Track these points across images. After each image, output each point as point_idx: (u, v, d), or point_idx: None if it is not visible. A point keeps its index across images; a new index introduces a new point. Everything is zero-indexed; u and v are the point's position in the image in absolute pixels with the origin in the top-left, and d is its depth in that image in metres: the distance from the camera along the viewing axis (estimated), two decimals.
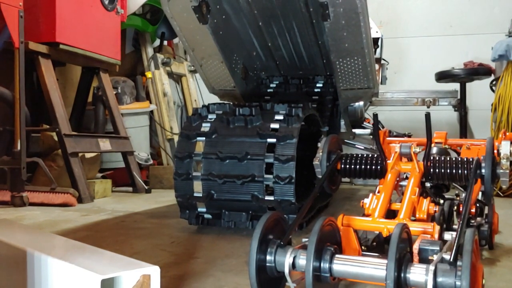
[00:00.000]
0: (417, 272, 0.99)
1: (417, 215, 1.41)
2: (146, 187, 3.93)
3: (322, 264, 1.06)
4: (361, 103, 3.13)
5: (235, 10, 2.70)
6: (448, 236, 1.31)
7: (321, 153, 1.64)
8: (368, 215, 1.41)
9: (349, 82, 2.68)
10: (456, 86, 4.53)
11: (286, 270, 1.08)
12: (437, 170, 1.52)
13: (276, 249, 1.10)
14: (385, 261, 1.00)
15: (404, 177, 1.62)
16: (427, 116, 1.51)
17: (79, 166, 3.29)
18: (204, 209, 2.21)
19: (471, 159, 1.49)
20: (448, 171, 1.51)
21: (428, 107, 4.28)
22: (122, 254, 1.15)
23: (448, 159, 1.53)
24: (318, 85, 3.10)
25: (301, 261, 1.08)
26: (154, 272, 1.01)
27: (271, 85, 3.20)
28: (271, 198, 2.07)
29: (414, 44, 5.24)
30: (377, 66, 3.74)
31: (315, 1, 2.39)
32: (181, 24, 2.58)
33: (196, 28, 2.56)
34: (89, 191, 3.32)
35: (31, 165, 3.19)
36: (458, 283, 0.94)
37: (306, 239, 1.12)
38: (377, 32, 3.71)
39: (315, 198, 2.60)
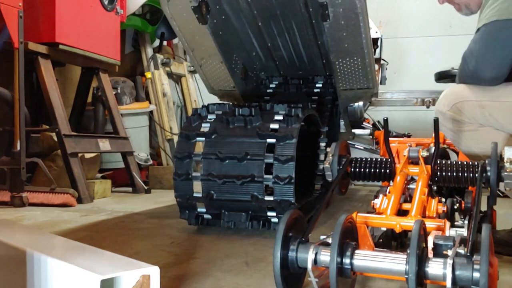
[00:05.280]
0: (435, 266, 1.05)
1: (427, 214, 1.48)
2: (146, 188, 3.93)
3: (344, 259, 1.11)
4: (361, 103, 3.13)
5: (235, 11, 2.70)
6: (452, 232, 1.37)
7: (331, 157, 1.68)
8: (380, 214, 1.46)
9: (348, 82, 2.68)
10: None
11: (309, 266, 1.12)
12: (443, 173, 1.59)
13: (298, 246, 1.16)
14: (403, 256, 1.07)
15: (409, 178, 1.68)
16: (436, 121, 1.58)
17: (78, 166, 3.29)
18: (203, 209, 2.21)
19: (476, 163, 1.56)
20: (455, 174, 1.57)
21: (428, 107, 4.27)
22: (121, 254, 1.15)
23: (454, 163, 1.61)
24: (317, 85, 3.10)
25: (323, 257, 1.14)
26: (153, 272, 1.01)
27: (271, 85, 3.20)
28: (271, 198, 2.07)
29: (414, 44, 5.24)
30: (376, 66, 3.74)
31: (314, 1, 2.39)
32: (181, 24, 2.58)
33: (196, 29, 2.56)
34: (88, 191, 3.31)
35: (30, 166, 3.19)
36: (475, 275, 0.99)
37: (324, 236, 1.19)
38: (376, 32, 3.70)
39: (315, 199, 2.61)
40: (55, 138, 3.35)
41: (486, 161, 1.50)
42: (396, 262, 1.09)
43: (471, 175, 1.54)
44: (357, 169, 1.69)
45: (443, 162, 1.61)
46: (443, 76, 4.43)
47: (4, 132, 3.15)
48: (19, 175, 2.89)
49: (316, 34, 2.82)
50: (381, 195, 1.52)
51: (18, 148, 2.89)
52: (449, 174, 1.57)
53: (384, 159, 1.68)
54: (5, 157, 2.97)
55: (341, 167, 1.67)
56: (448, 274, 1.01)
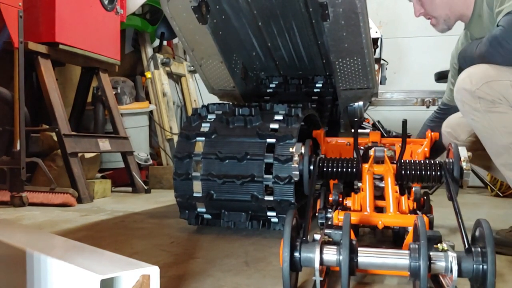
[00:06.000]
0: (437, 260, 1.11)
1: (400, 210, 1.57)
2: (146, 187, 3.93)
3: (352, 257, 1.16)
4: (361, 103, 3.13)
5: (235, 10, 2.70)
6: None
7: (297, 157, 1.68)
8: (357, 211, 1.54)
9: (348, 82, 2.68)
10: None
11: (317, 265, 1.14)
12: (408, 172, 1.65)
13: (301, 246, 1.18)
14: (404, 251, 1.14)
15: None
16: (404, 122, 1.64)
17: (78, 166, 3.29)
18: (203, 209, 2.21)
19: (437, 162, 1.66)
20: (418, 173, 1.64)
21: (428, 107, 4.28)
22: (121, 254, 1.15)
23: (417, 162, 1.67)
24: (317, 85, 3.10)
25: (326, 256, 1.17)
26: (153, 272, 1.01)
27: (271, 85, 3.20)
28: (271, 198, 2.07)
29: (414, 44, 5.24)
30: (376, 66, 3.74)
31: (314, 1, 2.39)
32: (181, 24, 2.57)
33: (196, 28, 2.55)
34: (88, 191, 3.31)
35: (30, 165, 3.19)
36: (477, 267, 1.07)
37: (318, 235, 1.22)
38: (376, 32, 3.70)
39: (315, 198, 2.60)
40: (55, 138, 3.35)
41: (446, 161, 1.62)
42: (399, 258, 1.14)
43: (433, 173, 1.63)
44: (325, 169, 1.69)
45: (407, 161, 1.67)
46: (443, 76, 4.43)
47: (4, 132, 3.15)
48: (19, 175, 2.89)
49: (316, 34, 2.82)
50: (352, 194, 1.61)
51: (18, 148, 2.89)
52: (413, 172, 1.64)
53: (351, 159, 1.71)
54: (5, 157, 2.98)
55: (311, 167, 1.67)
56: (454, 266, 1.07)
